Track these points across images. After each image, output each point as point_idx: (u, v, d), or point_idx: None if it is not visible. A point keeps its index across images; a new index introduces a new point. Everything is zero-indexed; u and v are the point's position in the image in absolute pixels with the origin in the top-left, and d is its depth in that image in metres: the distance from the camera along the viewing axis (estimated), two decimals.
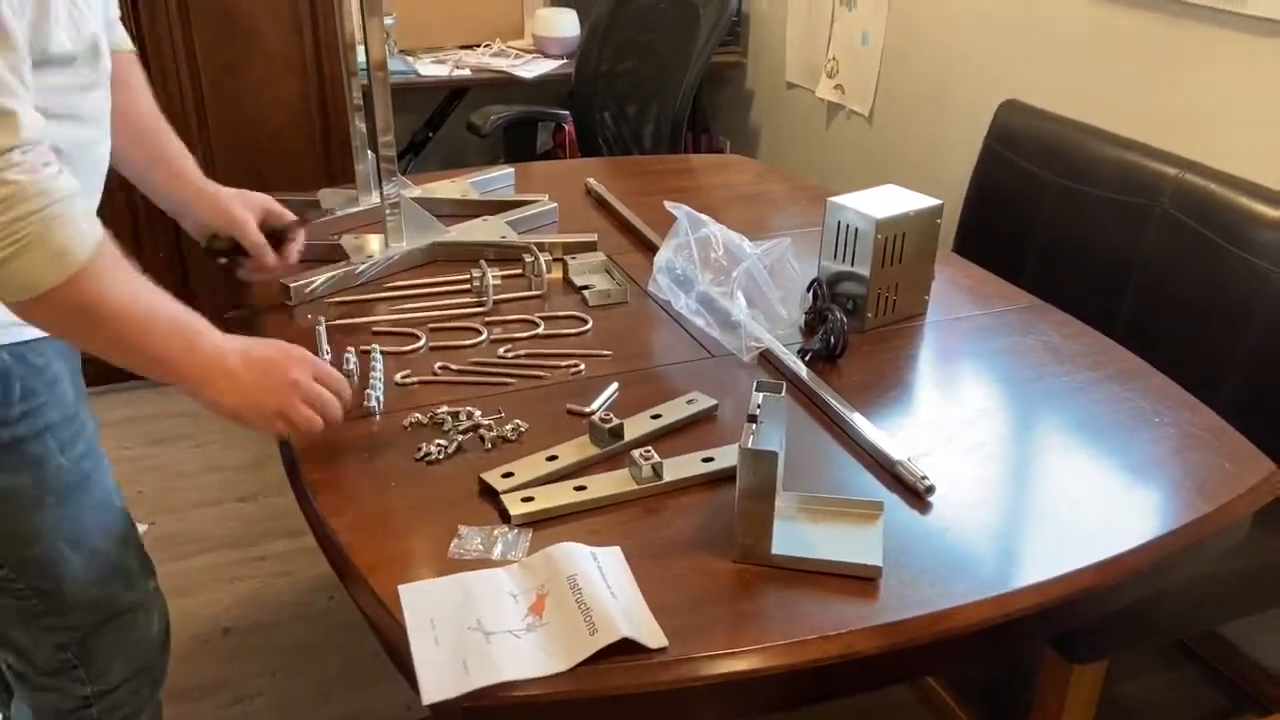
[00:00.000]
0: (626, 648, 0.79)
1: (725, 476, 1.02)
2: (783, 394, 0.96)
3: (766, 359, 1.24)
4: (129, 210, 2.37)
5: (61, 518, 1.08)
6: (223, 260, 1.26)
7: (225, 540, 2.12)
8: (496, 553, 0.90)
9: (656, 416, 1.10)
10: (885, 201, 1.31)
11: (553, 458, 1.02)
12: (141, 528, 2.12)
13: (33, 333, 1.00)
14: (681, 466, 1.01)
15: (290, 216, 1.29)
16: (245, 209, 1.24)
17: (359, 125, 1.56)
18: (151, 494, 2.24)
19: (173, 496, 2.24)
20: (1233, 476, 1.05)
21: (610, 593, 0.84)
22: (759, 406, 0.92)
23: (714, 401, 1.13)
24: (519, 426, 1.08)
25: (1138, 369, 1.26)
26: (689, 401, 1.13)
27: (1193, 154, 1.67)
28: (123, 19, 1.20)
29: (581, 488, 0.98)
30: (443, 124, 3.02)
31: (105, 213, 0.97)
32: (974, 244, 1.96)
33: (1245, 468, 1.06)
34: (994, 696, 1.77)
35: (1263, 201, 1.52)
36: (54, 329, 0.94)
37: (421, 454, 1.03)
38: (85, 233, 0.88)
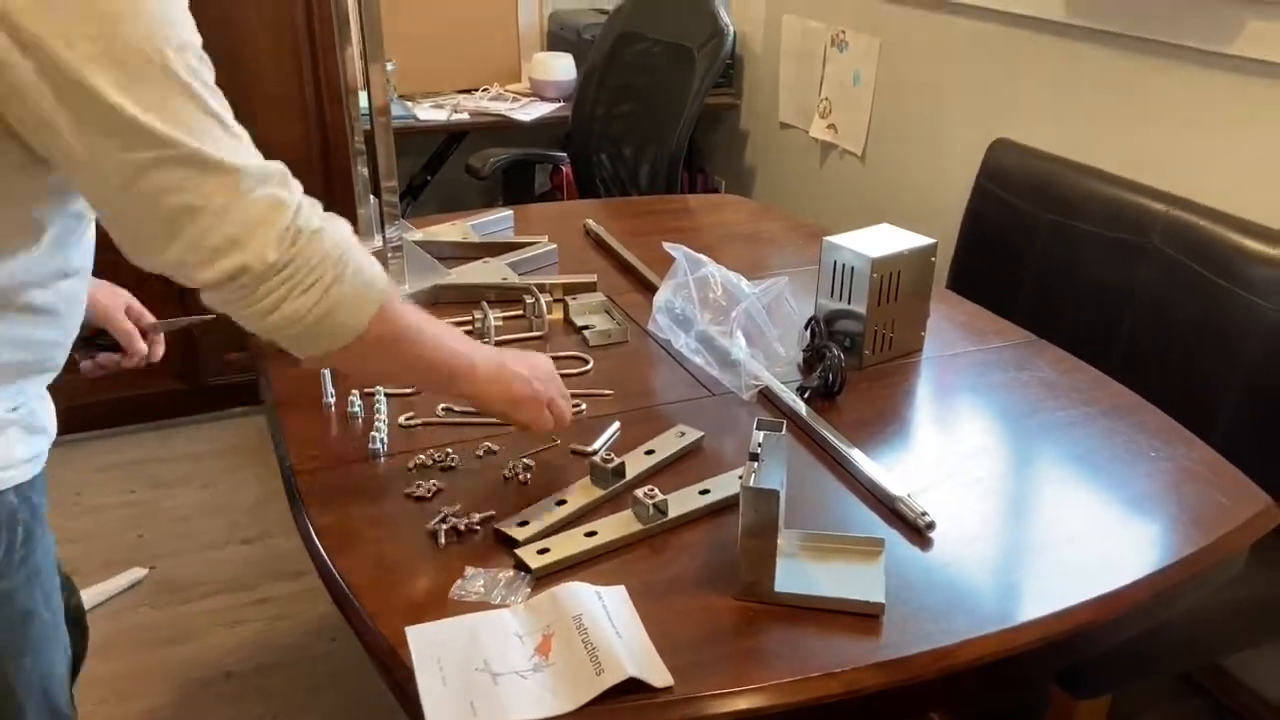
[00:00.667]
0: (633, 687, 0.80)
1: (723, 508, 1.03)
2: (783, 432, 0.97)
3: (766, 397, 1.26)
4: None
5: (33, 676, 0.96)
6: (79, 352, 1.13)
7: (227, 584, 2.11)
8: (496, 597, 0.90)
9: (650, 452, 1.12)
10: (880, 240, 1.33)
11: (561, 502, 1.03)
12: (141, 572, 2.13)
13: (39, 468, 0.93)
14: (681, 501, 1.02)
15: (150, 318, 1.21)
16: (113, 297, 1.17)
17: (361, 170, 1.58)
18: (152, 539, 2.24)
19: (174, 541, 2.23)
20: (1228, 510, 1.06)
21: (616, 632, 0.84)
22: (760, 445, 0.93)
23: (701, 433, 1.15)
24: (526, 466, 1.09)
25: (1132, 404, 1.27)
26: (680, 434, 1.15)
27: (1182, 191, 1.69)
28: None
29: (592, 533, 0.98)
30: (441, 167, 3.05)
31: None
32: (968, 281, 1.98)
33: (1240, 501, 1.08)
34: None
35: (1252, 237, 1.54)
36: (362, 367, 1.00)
37: (424, 494, 1.04)
38: (375, 262, 0.89)
